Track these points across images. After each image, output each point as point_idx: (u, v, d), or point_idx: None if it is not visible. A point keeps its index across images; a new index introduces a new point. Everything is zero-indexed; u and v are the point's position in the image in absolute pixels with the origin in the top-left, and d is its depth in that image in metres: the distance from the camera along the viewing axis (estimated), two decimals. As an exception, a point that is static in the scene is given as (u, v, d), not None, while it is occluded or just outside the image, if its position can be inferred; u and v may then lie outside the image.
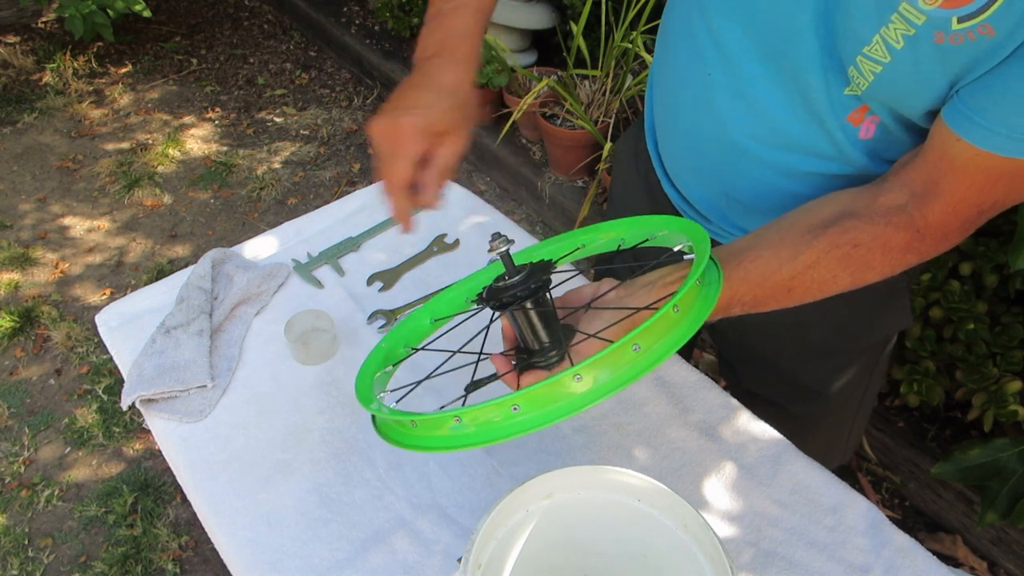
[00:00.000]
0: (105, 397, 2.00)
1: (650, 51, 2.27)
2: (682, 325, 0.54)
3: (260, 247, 1.18)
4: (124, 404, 0.95)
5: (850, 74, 0.66)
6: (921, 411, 1.73)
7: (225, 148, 2.90)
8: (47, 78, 3.21)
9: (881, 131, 0.71)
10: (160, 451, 1.21)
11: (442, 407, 0.57)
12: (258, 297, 1.08)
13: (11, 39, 3.43)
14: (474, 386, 0.66)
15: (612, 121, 2.28)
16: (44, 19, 3.57)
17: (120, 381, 1.07)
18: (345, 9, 3.40)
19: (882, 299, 0.95)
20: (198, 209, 2.63)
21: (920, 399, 1.53)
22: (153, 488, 1.80)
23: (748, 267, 0.64)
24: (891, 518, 0.95)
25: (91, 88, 3.19)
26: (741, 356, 1.13)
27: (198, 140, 2.94)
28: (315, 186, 2.73)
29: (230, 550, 0.83)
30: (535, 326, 0.62)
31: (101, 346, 2.11)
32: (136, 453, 1.88)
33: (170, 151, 2.85)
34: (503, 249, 0.62)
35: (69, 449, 1.90)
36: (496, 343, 0.70)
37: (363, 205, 1.24)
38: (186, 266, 1.13)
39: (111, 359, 1.62)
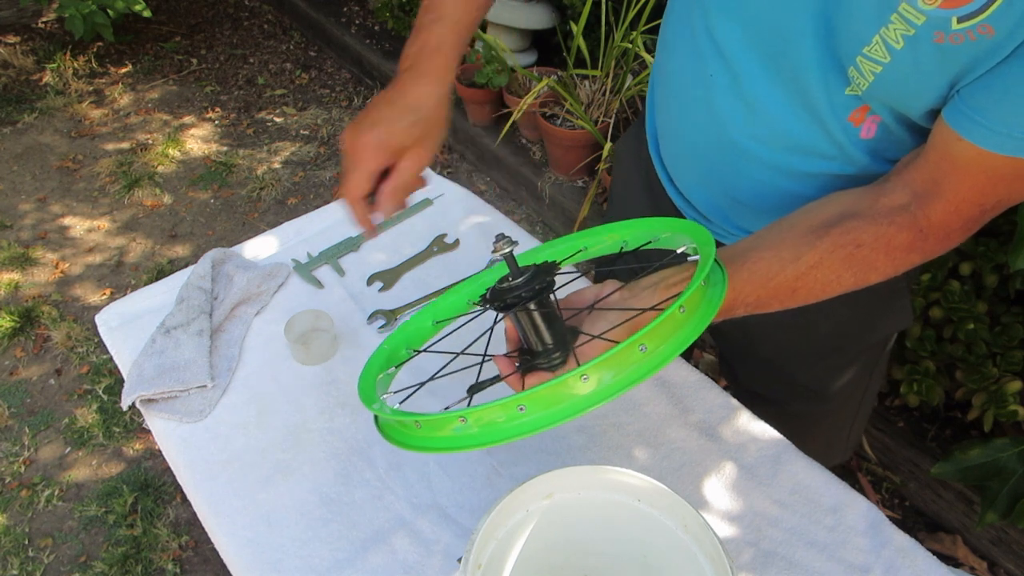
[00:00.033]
0: (105, 397, 2.00)
1: (650, 51, 2.27)
2: (688, 326, 0.54)
3: (260, 247, 1.18)
4: (124, 404, 0.95)
5: (850, 74, 0.66)
6: (921, 411, 1.73)
7: (225, 148, 2.90)
8: (47, 78, 3.21)
9: (882, 131, 0.71)
10: (160, 451, 1.21)
11: (446, 408, 0.57)
12: (258, 297, 1.08)
13: (11, 39, 3.43)
14: (477, 387, 0.66)
15: (612, 121, 2.28)
16: (44, 19, 3.57)
17: (120, 381, 1.07)
18: (345, 9, 3.40)
19: (884, 299, 0.95)
20: (198, 209, 2.63)
21: (920, 399, 1.53)
22: (153, 488, 1.80)
23: (751, 268, 0.64)
24: (891, 518, 0.95)
25: (91, 88, 3.19)
26: (742, 355, 1.13)
27: (198, 140, 2.94)
28: (315, 186, 2.73)
29: (230, 550, 0.83)
30: (539, 327, 0.62)
31: (101, 346, 2.11)
32: (136, 453, 1.88)
33: (170, 151, 2.85)
34: (507, 250, 0.62)
35: (69, 449, 1.90)
36: (498, 345, 0.70)
37: (363, 205, 1.24)
38: (186, 266, 1.13)
39: (111, 359, 1.62)
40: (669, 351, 0.53)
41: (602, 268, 1.07)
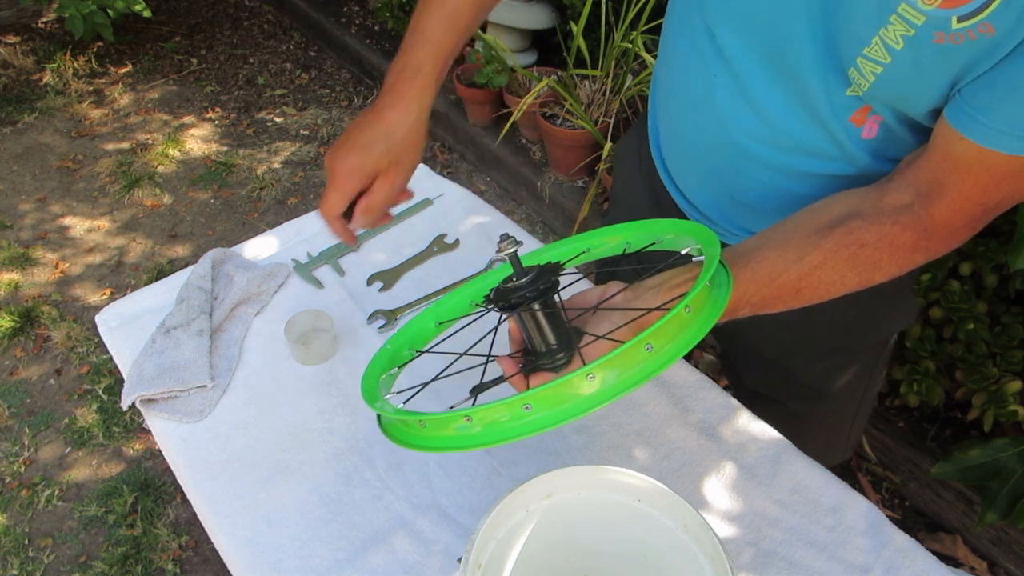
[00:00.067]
0: (105, 397, 2.00)
1: (650, 51, 2.27)
2: (694, 326, 0.54)
3: (260, 247, 1.18)
4: (124, 404, 0.95)
5: (851, 75, 0.66)
6: (921, 411, 1.73)
7: (225, 148, 2.90)
8: (47, 78, 3.21)
9: (884, 131, 0.71)
10: (160, 451, 1.21)
11: (451, 407, 0.56)
12: (258, 297, 1.08)
13: (11, 39, 3.43)
14: (481, 388, 0.66)
15: (612, 121, 2.28)
16: (44, 19, 3.57)
17: (120, 381, 1.07)
18: (345, 9, 3.40)
19: (888, 299, 0.95)
20: (198, 209, 2.63)
21: (920, 399, 1.53)
22: (153, 488, 1.80)
23: (755, 268, 0.64)
24: (891, 518, 0.95)
25: (91, 88, 3.19)
26: (745, 355, 1.13)
27: (198, 140, 2.94)
28: (315, 186, 2.73)
29: (230, 550, 0.83)
30: (543, 328, 0.62)
31: (101, 346, 2.11)
32: (136, 453, 1.88)
33: (170, 151, 2.85)
34: (511, 250, 0.62)
35: (69, 449, 1.90)
36: (501, 346, 0.69)
37: (363, 205, 1.24)
38: (186, 266, 1.13)
39: (111, 359, 1.62)
40: (675, 351, 0.52)
41: (603, 269, 1.07)
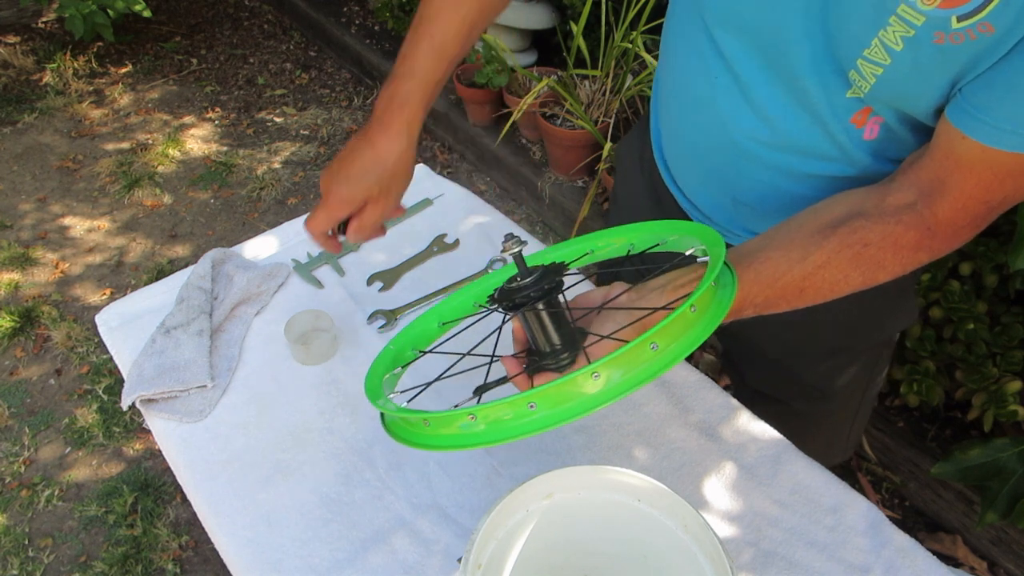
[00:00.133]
0: (105, 397, 2.00)
1: (650, 51, 2.27)
2: (698, 325, 0.54)
3: (260, 247, 1.18)
4: (124, 404, 0.95)
5: (851, 77, 0.66)
6: (921, 411, 1.73)
7: (225, 148, 2.90)
8: (47, 78, 3.21)
9: (885, 132, 0.71)
10: (160, 451, 1.21)
11: (455, 406, 0.56)
12: (258, 297, 1.08)
13: (11, 39, 3.43)
14: (485, 388, 0.66)
15: (612, 121, 2.28)
16: (44, 19, 3.57)
17: (120, 381, 1.07)
18: (345, 9, 3.40)
19: (892, 298, 0.95)
20: (198, 209, 2.63)
21: (920, 399, 1.53)
22: (153, 488, 1.80)
23: (759, 268, 0.64)
24: (891, 518, 0.95)
25: (91, 88, 3.19)
26: (749, 355, 1.13)
27: (198, 140, 2.94)
28: (315, 186, 2.73)
29: (230, 550, 0.83)
30: (547, 328, 0.62)
31: (101, 346, 2.11)
32: (136, 453, 1.88)
33: (170, 151, 2.85)
34: (516, 250, 0.62)
35: (69, 449, 1.90)
36: (505, 347, 0.70)
37: (363, 205, 1.24)
38: (186, 266, 1.13)
39: (111, 359, 1.62)
40: (679, 350, 0.52)
41: (605, 270, 1.07)
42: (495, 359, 0.66)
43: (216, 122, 3.04)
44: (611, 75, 2.30)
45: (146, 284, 1.80)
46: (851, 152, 0.73)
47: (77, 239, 2.50)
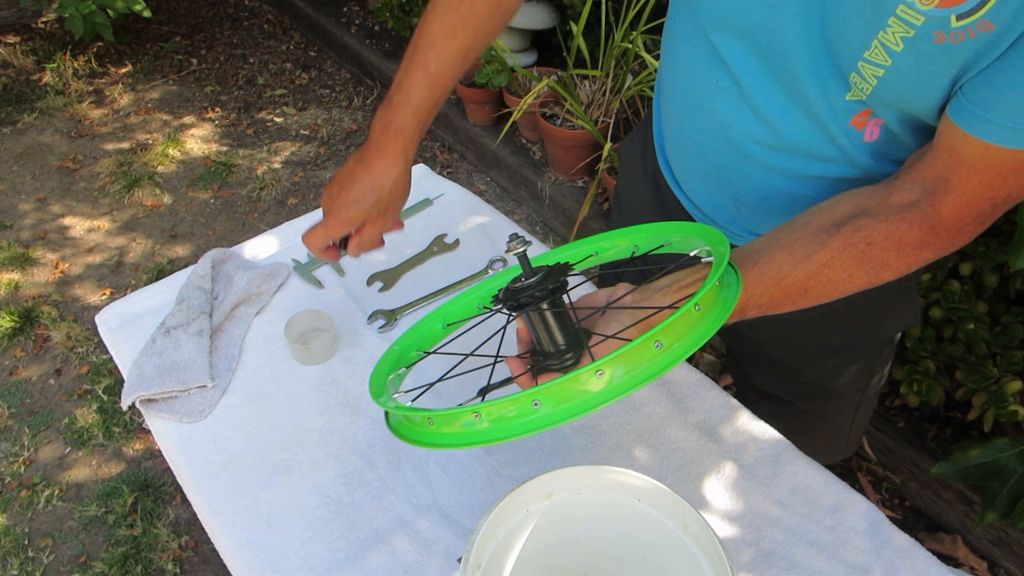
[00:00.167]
0: (105, 397, 2.00)
1: (650, 51, 2.27)
2: (703, 324, 0.54)
3: (260, 247, 1.18)
4: (124, 404, 0.95)
5: (852, 80, 0.66)
6: (921, 411, 1.73)
7: (225, 148, 2.90)
8: (47, 78, 3.21)
9: (885, 133, 0.71)
10: (160, 451, 1.21)
11: (460, 405, 0.57)
12: (258, 297, 1.08)
13: (11, 39, 3.43)
14: (489, 388, 0.66)
15: (612, 121, 2.28)
16: (44, 19, 3.57)
17: (120, 381, 1.07)
18: (345, 9, 3.40)
19: (895, 297, 0.95)
20: (198, 209, 2.63)
21: (920, 399, 1.53)
22: (153, 488, 1.80)
23: (763, 268, 0.64)
24: (891, 518, 0.95)
25: (91, 88, 3.19)
26: (752, 354, 1.13)
27: (198, 140, 2.94)
28: (315, 186, 2.73)
29: (230, 550, 0.83)
30: (551, 328, 0.62)
31: (101, 346, 2.11)
32: (136, 453, 1.88)
33: (170, 151, 2.85)
34: (520, 250, 0.62)
35: (69, 449, 1.90)
36: (509, 348, 0.70)
37: (363, 205, 1.24)
38: (186, 266, 1.13)
39: (111, 359, 1.62)
40: (684, 349, 0.52)
41: (607, 271, 1.07)
42: (499, 359, 0.66)
43: (216, 122, 3.04)
44: (611, 75, 2.30)
45: (146, 284, 1.80)
46: (852, 154, 0.73)
47: (77, 239, 2.50)
